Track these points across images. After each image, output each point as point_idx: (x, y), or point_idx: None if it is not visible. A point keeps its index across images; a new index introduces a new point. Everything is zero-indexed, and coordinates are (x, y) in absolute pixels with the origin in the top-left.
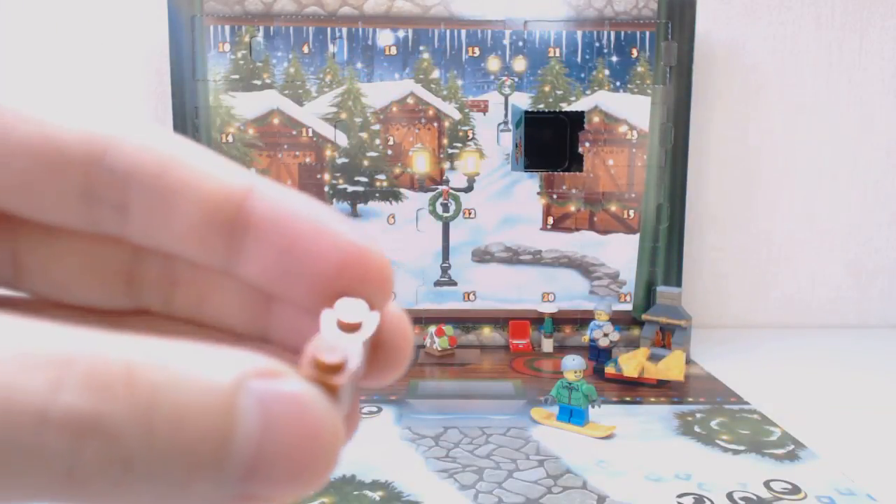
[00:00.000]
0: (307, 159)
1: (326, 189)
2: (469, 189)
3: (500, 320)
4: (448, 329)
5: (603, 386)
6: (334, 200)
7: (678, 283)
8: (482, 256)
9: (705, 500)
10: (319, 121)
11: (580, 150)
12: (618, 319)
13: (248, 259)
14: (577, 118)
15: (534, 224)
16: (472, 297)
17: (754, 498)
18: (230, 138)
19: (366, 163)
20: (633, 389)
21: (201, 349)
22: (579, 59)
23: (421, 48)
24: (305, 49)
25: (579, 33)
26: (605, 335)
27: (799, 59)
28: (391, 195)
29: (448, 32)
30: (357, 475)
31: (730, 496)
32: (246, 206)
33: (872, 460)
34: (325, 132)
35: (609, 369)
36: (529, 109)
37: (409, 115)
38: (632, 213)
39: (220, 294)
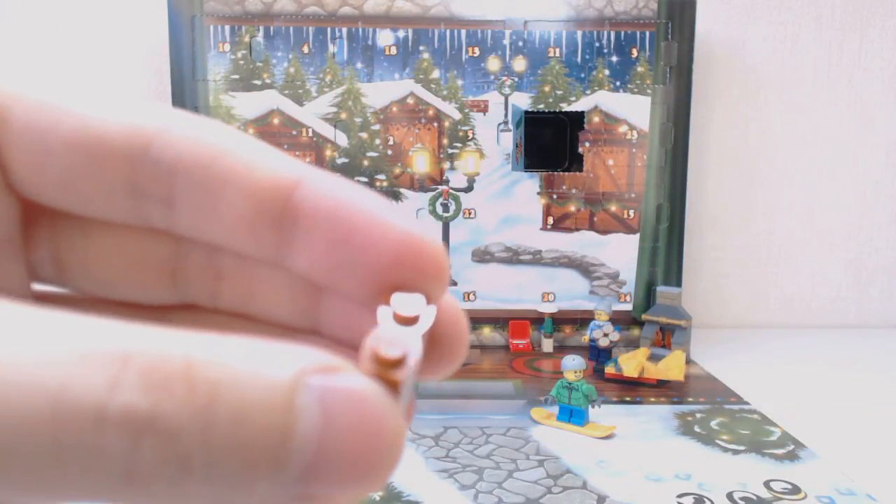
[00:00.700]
0: (307, 159)
1: None
2: (469, 189)
3: (500, 320)
4: None
5: (603, 386)
6: None
7: (678, 283)
8: (482, 256)
9: (705, 500)
10: (319, 121)
11: (580, 150)
12: (618, 319)
13: (299, 251)
14: (577, 118)
15: (534, 224)
16: (472, 297)
17: (754, 498)
18: None
19: (366, 163)
20: (633, 389)
21: (259, 344)
22: (579, 59)
23: (421, 48)
24: (305, 49)
25: (579, 33)
26: (605, 335)
27: (799, 59)
28: (391, 195)
29: (448, 32)
30: None
31: (730, 496)
32: (296, 197)
33: (873, 460)
34: (325, 132)
35: (609, 369)
36: (529, 109)
37: (409, 115)
38: (632, 213)
39: (268, 287)
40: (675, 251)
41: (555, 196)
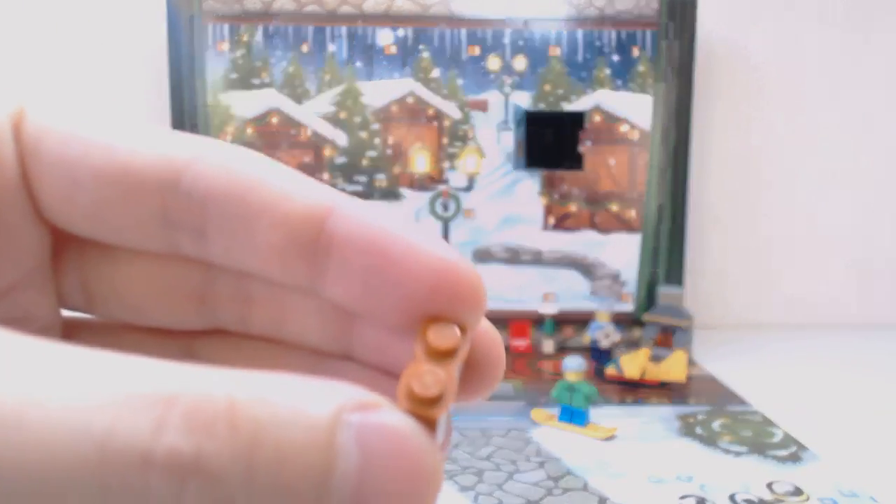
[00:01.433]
0: (306, 159)
1: None
2: (469, 189)
3: (500, 321)
4: None
5: (604, 387)
6: None
7: (680, 284)
8: (482, 257)
9: (707, 502)
10: (319, 120)
11: (581, 149)
12: (619, 320)
13: (332, 280)
14: (578, 117)
15: (534, 224)
16: None
17: (756, 500)
18: (229, 138)
19: (365, 162)
20: (634, 391)
21: (297, 381)
22: (580, 59)
23: (421, 47)
24: (304, 48)
25: (580, 32)
26: (607, 336)
27: (801, 59)
28: (391, 195)
29: (448, 31)
30: None
31: (732, 498)
32: (329, 226)
33: (876, 462)
34: (324, 132)
35: (610, 370)
36: (530, 109)
37: (408, 115)
38: (633, 212)
39: (299, 312)
40: (676, 251)
41: (556, 196)
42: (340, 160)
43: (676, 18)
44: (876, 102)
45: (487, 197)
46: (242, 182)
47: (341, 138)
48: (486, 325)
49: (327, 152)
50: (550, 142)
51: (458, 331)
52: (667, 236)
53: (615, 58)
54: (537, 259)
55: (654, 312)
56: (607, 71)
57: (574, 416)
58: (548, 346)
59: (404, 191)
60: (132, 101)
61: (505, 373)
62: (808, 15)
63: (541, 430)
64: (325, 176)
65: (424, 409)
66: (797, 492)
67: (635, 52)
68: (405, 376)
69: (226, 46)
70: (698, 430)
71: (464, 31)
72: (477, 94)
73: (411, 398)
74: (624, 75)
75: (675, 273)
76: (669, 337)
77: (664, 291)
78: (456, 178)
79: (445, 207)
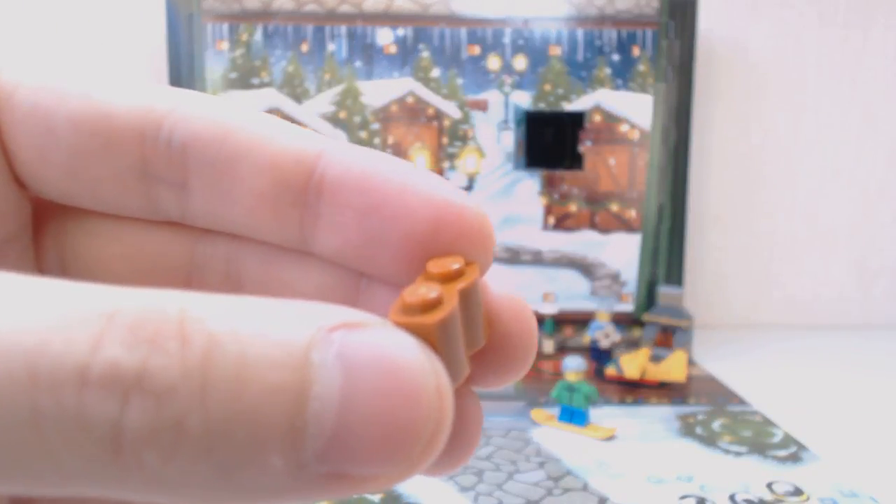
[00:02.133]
0: None
1: None
2: (469, 188)
3: None
4: None
5: (604, 387)
6: None
7: (680, 284)
8: None
9: (707, 502)
10: (318, 119)
11: (581, 149)
12: (619, 320)
13: (326, 226)
14: (578, 117)
15: (534, 224)
16: None
17: (756, 500)
18: None
19: None
20: (634, 391)
21: (272, 301)
22: (580, 58)
23: (420, 46)
24: (304, 47)
25: (580, 31)
26: (607, 336)
27: (802, 58)
28: None
29: (448, 31)
30: None
31: (732, 498)
32: (320, 168)
33: (876, 462)
34: (324, 131)
35: (610, 370)
36: (530, 108)
37: (408, 114)
38: (633, 212)
39: (294, 290)
40: (676, 251)
41: (556, 196)
42: None
43: (677, 18)
44: (876, 102)
45: (487, 197)
46: (225, 126)
47: (341, 138)
48: (511, 294)
49: None
50: (550, 142)
51: (461, 259)
52: (667, 236)
53: (615, 57)
54: (537, 259)
55: (654, 312)
56: (607, 70)
57: (574, 416)
58: (548, 346)
59: None
60: None
61: None
62: (808, 14)
63: (541, 430)
64: None
65: (419, 318)
66: (797, 492)
67: (635, 51)
68: (399, 297)
69: (225, 45)
70: (698, 430)
71: (464, 31)
72: (477, 94)
73: (404, 309)
74: (624, 75)
75: (675, 273)
76: (669, 337)
77: (664, 291)
78: (456, 178)
79: None
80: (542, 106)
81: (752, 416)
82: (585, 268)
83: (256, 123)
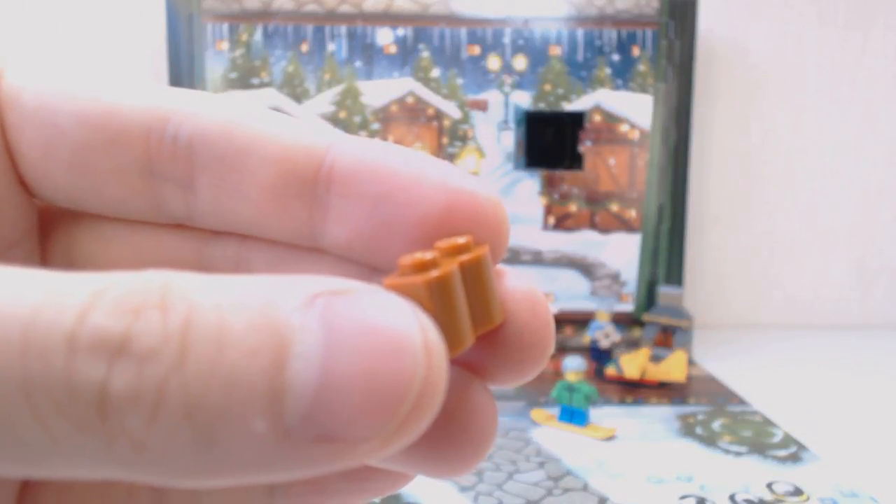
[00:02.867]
0: None
1: None
2: None
3: None
4: None
5: (604, 387)
6: None
7: (680, 284)
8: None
9: (707, 502)
10: (318, 119)
11: (581, 149)
12: (619, 320)
13: (335, 219)
14: (578, 117)
15: (534, 224)
16: None
17: (756, 500)
18: None
19: None
20: (634, 391)
21: (258, 277)
22: (580, 58)
23: (420, 46)
24: (304, 47)
25: (580, 31)
26: (607, 336)
27: (802, 58)
28: None
29: (448, 31)
30: None
31: (732, 498)
32: (329, 159)
33: (876, 462)
34: None
35: (610, 370)
36: (530, 108)
37: (408, 114)
38: (633, 212)
39: None
40: (676, 251)
41: (556, 196)
42: None
43: (677, 17)
44: (876, 102)
45: None
46: (232, 121)
47: None
48: (526, 285)
49: None
50: (550, 142)
51: (470, 238)
52: (667, 236)
53: (615, 57)
54: (537, 259)
55: (654, 312)
56: (607, 70)
57: (574, 416)
58: None
59: None
60: None
61: None
62: (808, 14)
63: (541, 430)
64: None
65: (409, 278)
66: (797, 492)
67: (635, 51)
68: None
69: (225, 45)
70: (698, 430)
71: (464, 31)
72: (477, 94)
73: (399, 272)
74: (624, 75)
75: (674, 273)
76: (669, 337)
77: (664, 291)
78: None
79: None
80: (542, 106)
81: (752, 416)
82: (585, 268)
83: (264, 118)
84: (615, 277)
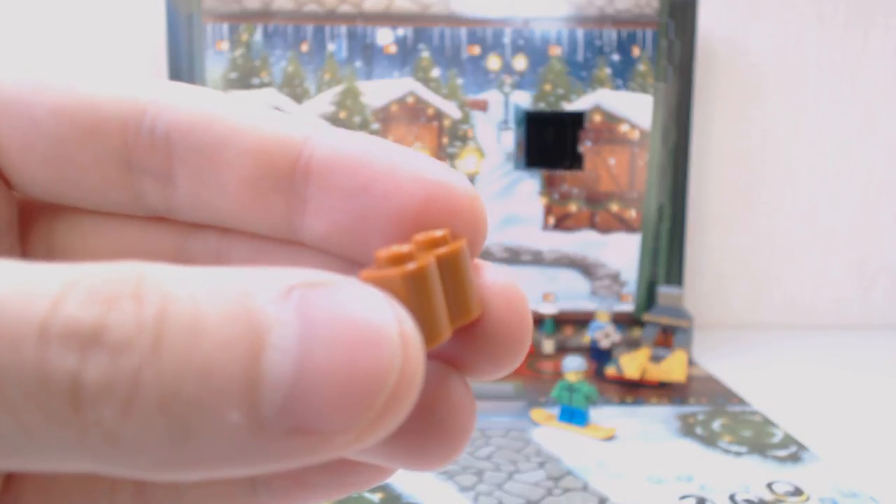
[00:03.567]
0: None
1: None
2: None
3: None
4: None
5: (604, 387)
6: None
7: (680, 284)
8: (482, 257)
9: (707, 502)
10: (318, 119)
11: (581, 149)
12: (619, 320)
13: (315, 212)
14: (578, 117)
15: (534, 224)
16: None
17: (756, 500)
18: None
19: None
20: (634, 391)
21: (235, 269)
22: (580, 58)
23: (420, 46)
24: (304, 47)
25: (580, 31)
26: (607, 336)
27: (802, 58)
28: None
29: (448, 31)
30: None
31: (732, 498)
32: (307, 151)
33: (876, 462)
34: None
35: (610, 370)
36: (530, 108)
37: (408, 114)
38: (633, 212)
39: None
40: (676, 251)
41: (556, 196)
42: None
43: (677, 18)
44: (876, 102)
45: (487, 197)
46: (209, 113)
47: None
48: (504, 278)
49: None
50: (550, 142)
51: (447, 231)
52: (667, 236)
53: (615, 57)
54: (537, 259)
55: (654, 312)
56: (607, 70)
57: (574, 416)
58: (548, 346)
59: None
60: None
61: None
62: (808, 14)
63: (541, 430)
64: None
65: (385, 271)
66: (797, 492)
67: (635, 51)
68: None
69: (225, 45)
70: (698, 430)
71: (464, 31)
72: (477, 94)
73: (376, 264)
74: (624, 75)
75: (674, 273)
76: (669, 337)
77: (664, 291)
78: None
79: None
80: (542, 106)
81: (752, 416)
82: (585, 268)
83: (241, 109)
84: (615, 277)
